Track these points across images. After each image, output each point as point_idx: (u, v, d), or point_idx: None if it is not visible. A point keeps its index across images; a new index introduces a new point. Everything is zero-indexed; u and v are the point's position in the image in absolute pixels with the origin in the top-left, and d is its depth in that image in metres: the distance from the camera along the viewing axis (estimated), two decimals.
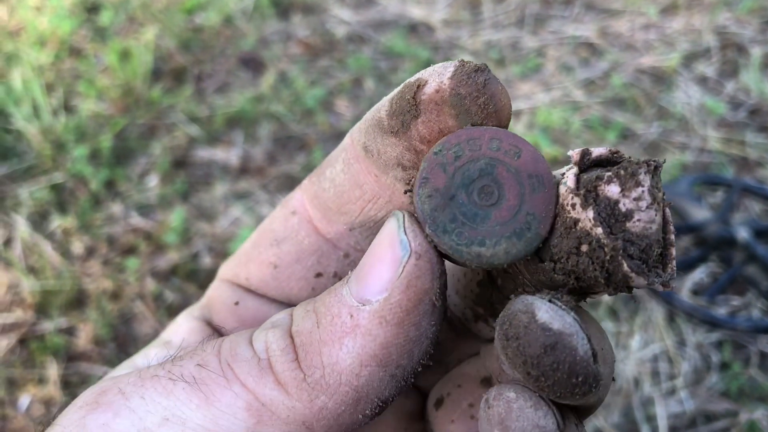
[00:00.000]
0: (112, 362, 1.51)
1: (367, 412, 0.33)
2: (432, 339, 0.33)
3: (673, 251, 0.31)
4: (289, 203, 0.44)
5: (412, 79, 0.34)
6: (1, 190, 1.80)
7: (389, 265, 0.32)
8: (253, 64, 2.19)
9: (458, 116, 0.33)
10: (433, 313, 0.32)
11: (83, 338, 1.54)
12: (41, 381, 1.48)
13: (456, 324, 0.44)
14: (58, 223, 1.73)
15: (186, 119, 1.99)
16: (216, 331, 0.44)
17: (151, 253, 1.69)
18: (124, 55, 2.14)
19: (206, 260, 1.68)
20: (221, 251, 1.70)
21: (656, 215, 0.30)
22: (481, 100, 0.32)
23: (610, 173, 0.30)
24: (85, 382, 1.49)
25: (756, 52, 2.21)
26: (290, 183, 1.85)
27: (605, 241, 0.29)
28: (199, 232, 1.74)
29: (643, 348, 1.54)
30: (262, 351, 0.33)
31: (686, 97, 2.10)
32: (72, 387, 1.48)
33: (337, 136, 1.97)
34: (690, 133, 2.00)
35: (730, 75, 2.17)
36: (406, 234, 0.32)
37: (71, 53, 2.20)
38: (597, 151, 0.32)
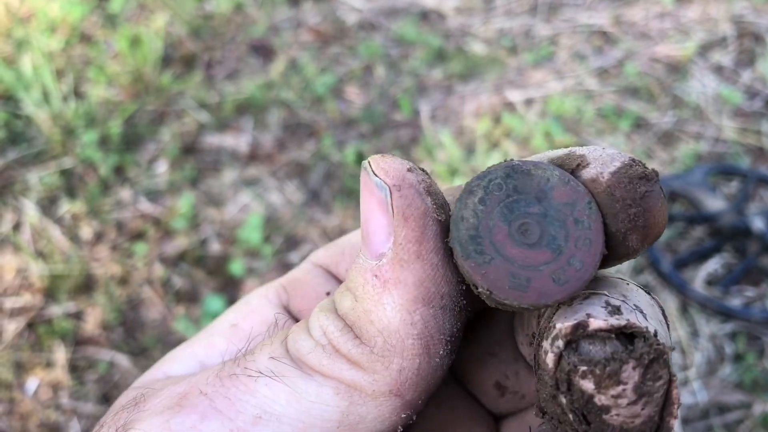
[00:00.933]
0: (120, 347, 1.50)
1: (441, 352, 0.32)
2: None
3: None
4: None
5: (579, 151, 0.32)
6: (10, 175, 1.80)
7: (379, 211, 0.31)
8: (264, 51, 2.18)
9: (604, 215, 0.30)
10: (445, 229, 0.31)
11: (91, 323, 1.54)
12: (49, 365, 1.48)
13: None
14: (67, 207, 1.73)
15: (196, 105, 1.99)
16: (292, 319, 0.42)
17: (159, 238, 1.69)
18: (135, 42, 2.13)
19: (215, 246, 1.67)
20: (230, 238, 1.69)
21: (643, 409, 0.26)
22: (632, 211, 0.29)
23: (585, 368, 0.26)
24: (93, 366, 1.48)
25: None
26: (300, 170, 1.84)
27: (576, 427, 0.27)
28: (207, 218, 1.73)
29: None
30: (320, 337, 0.32)
31: (701, 86, 2.07)
32: (79, 371, 1.48)
33: (347, 123, 1.96)
34: (705, 122, 1.97)
35: (747, 64, 2.14)
36: (377, 176, 0.31)
37: (82, 39, 2.19)
38: (594, 325, 0.27)
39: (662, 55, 2.17)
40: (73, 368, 1.48)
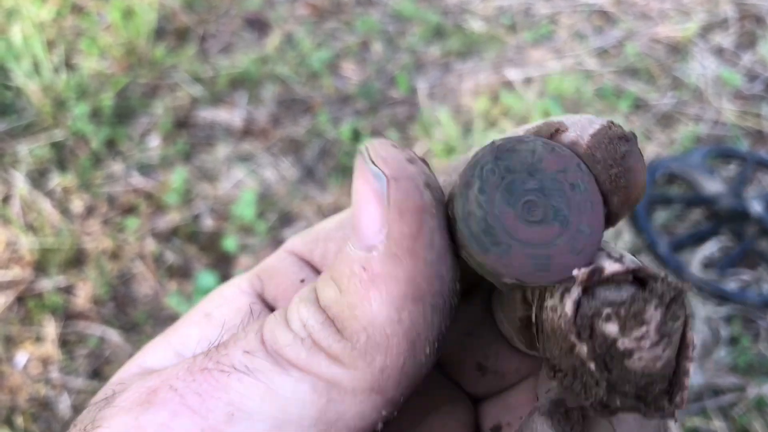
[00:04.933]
0: (111, 322, 1.49)
1: (427, 351, 0.30)
2: (454, 250, 0.30)
3: (686, 381, 0.27)
4: None
5: (555, 120, 0.31)
6: None
7: (373, 201, 0.29)
8: (259, 25, 2.14)
9: None
10: (440, 226, 0.30)
11: (82, 297, 1.52)
12: (38, 339, 1.46)
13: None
14: (57, 180, 1.70)
15: (189, 79, 1.95)
16: (267, 309, 0.40)
17: (151, 213, 1.66)
18: (128, 14, 2.09)
19: (208, 222, 1.65)
20: (223, 213, 1.67)
21: (664, 351, 0.26)
22: (613, 171, 0.29)
23: (609, 310, 0.26)
24: (83, 341, 1.47)
25: None
26: (294, 146, 1.82)
27: (597, 376, 0.27)
28: (200, 193, 1.70)
29: None
30: (300, 329, 0.31)
31: (701, 68, 2.05)
32: (69, 346, 1.46)
33: (343, 99, 1.93)
34: (704, 104, 1.96)
35: (748, 47, 2.12)
36: (374, 164, 0.29)
37: (73, 10, 2.15)
38: (611, 269, 0.27)
39: (663, 36, 2.14)
40: (63, 343, 1.46)
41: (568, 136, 0.30)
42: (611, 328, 0.26)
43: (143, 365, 0.38)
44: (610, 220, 0.30)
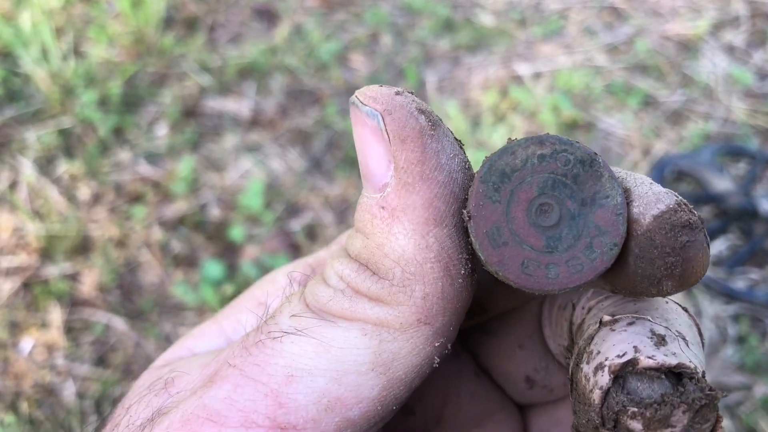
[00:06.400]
0: (117, 310, 1.48)
1: (462, 272, 0.30)
2: (460, 160, 0.31)
3: None
4: None
5: (626, 183, 0.31)
6: (7, 133, 1.76)
7: (374, 141, 0.30)
8: (268, 15, 2.13)
9: (636, 258, 0.29)
10: (441, 140, 0.30)
11: (88, 284, 1.51)
12: (44, 325, 1.46)
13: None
14: (65, 168, 1.70)
15: (197, 68, 1.95)
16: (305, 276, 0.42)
17: (158, 202, 1.66)
18: (137, 2, 2.08)
19: (214, 211, 1.65)
20: (230, 203, 1.66)
21: None
22: (670, 260, 0.28)
23: (635, 410, 0.26)
24: (88, 328, 1.46)
25: None
26: (302, 137, 1.81)
27: None
28: (207, 182, 1.70)
29: None
30: (338, 282, 0.32)
31: (712, 65, 2.04)
32: (75, 333, 1.46)
33: (351, 91, 1.92)
34: (714, 102, 1.94)
35: (759, 45, 2.11)
36: (366, 105, 0.30)
37: None
38: (645, 363, 0.27)
39: (673, 33, 2.13)
40: (69, 330, 1.46)
41: (631, 210, 0.29)
42: (636, 426, 0.26)
43: (193, 349, 0.39)
44: (659, 295, 0.29)
